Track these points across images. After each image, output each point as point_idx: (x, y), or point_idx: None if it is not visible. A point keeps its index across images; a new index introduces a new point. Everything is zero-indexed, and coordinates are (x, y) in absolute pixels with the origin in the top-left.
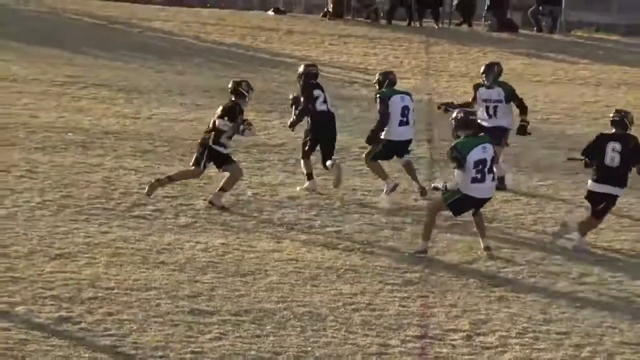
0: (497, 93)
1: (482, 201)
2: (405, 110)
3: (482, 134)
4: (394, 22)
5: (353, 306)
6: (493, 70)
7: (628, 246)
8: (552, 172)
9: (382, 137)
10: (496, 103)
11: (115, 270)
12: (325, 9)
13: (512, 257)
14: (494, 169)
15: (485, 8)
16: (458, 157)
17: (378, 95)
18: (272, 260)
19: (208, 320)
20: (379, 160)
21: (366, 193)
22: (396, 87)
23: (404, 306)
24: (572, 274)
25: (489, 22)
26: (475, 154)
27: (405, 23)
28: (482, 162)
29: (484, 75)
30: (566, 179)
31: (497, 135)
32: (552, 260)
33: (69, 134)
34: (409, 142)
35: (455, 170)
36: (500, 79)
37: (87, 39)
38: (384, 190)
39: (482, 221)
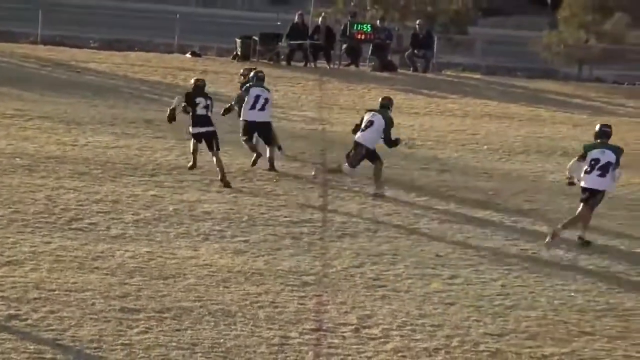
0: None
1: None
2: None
3: None
4: (292, 63)
5: (258, 304)
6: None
7: (491, 252)
8: (425, 189)
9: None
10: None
11: (56, 274)
12: (235, 52)
13: (394, 262)
14: None
15: (370, 52)
16: None
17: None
18: (190, 266)
19: (135, 317)
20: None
21: (270, 208)
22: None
23: (302, 304)
24: (443, 275)
25: (373, 63)
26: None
27: (302, 64)
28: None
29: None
30: (437, 195)
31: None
32: (427, 264)
33: (17, 158)
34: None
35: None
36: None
37: (33, 78)
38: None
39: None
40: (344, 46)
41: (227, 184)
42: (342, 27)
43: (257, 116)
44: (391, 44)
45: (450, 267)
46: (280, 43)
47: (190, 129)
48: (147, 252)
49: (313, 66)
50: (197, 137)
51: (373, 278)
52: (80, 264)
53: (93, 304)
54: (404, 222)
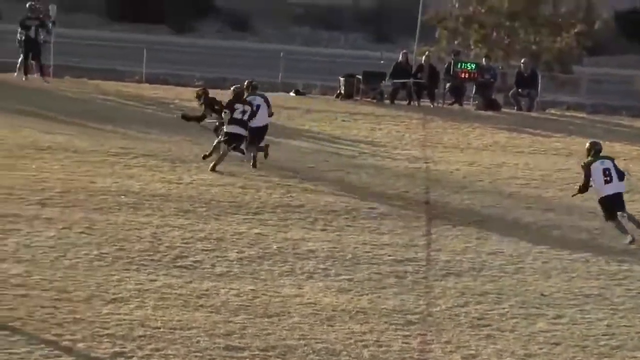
0: None
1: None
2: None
3: None
4: (396, 102)
5: (363, 343)
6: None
7: (596, 292)
8: (529, 228)
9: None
10: None
11: (161, 312)
12: (338, 91)
13: (498, 301)
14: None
15: (473, 90)
16: None
17: None
18: (294, 304)
19: (240, 355)
20: None
21: (374, 246)
22: None
23: (406, 343)
24: (548, 315)
25: (477, 102)
26: None
27: (405, 103)
28: None
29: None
30: (541, 234)
31: None
32: (532, 303)
33: (122, 196)
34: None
35: None
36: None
37: (138, 117)
38: None
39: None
40: (448, 85)
41: (254, 165)
42: (445, 66)
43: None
44: (495, 82)
45: (555, 307)
46: (383, 82)
47: (225, 127)
48: (252, 290)
49: (416, 105)
50: (230, 137)
51: (477, 317)
52: (185, 301)
53: (198, 341)
54: (508, 261)
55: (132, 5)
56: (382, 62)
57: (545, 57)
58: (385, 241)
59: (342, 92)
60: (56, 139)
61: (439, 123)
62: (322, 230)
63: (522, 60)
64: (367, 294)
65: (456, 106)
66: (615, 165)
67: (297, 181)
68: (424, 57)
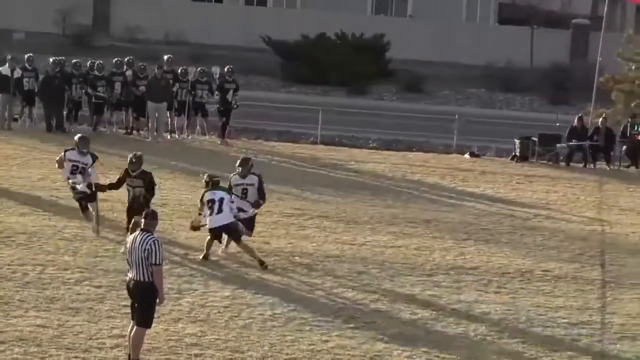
0: None
1: None
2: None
3: None
4: (571, 164)
5: None
6: None
7: None
8: None
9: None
10: None
11: None
12: (513, 153)
13: None
14: None
15: None
16: None
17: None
18: None
19: None
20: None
21: (548, 309)
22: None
23: None
24: None
25: None
26: None
27: (581, 165)
28: None
29: None
30: None
31: None
32: None
33: (295, 257)
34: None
35: None
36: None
37: (312, 178)
38: None
39: None
40: (624, 147)
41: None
42: (622, 128)
43: (216, 221)
44: None
45: None
46: (559, 144)
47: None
48: (424, 351)
49: (592, 167)
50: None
51: None
52: None
53: None
54: None
55: (308, 67)
56: (557, 124)
57: None
58: (560, 304)
59: (517, 154)
60: None
61: (615, 185)
62: (496, 292)
63: None
64: (541, 357)
65: (632, 169)
66: None
67: (471, 243)
68: (600, 120)
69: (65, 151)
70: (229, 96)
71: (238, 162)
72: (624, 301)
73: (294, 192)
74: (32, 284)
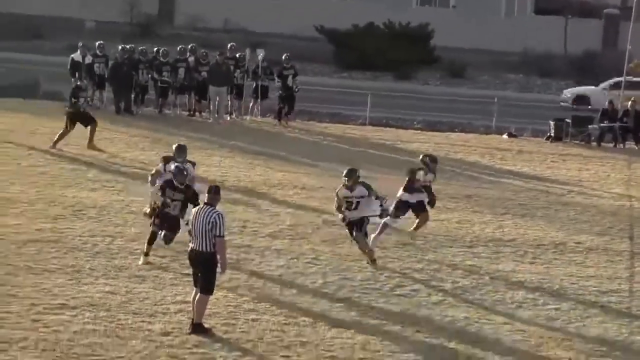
0: None
1: None
2: None
3: None
4: (603, 144)
5: None
6: None
7: None
8: None
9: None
10: None
11: (380, 337)
12: (548, 134)
13: None
14: None
15: None
16: None
17: None
18: (504, 331)
19: None
20: None
21: (579, 278)
22: None
23: None
24: None
25: None
26: None
27: (611, 145)
28: None
29: None
30: None
31: None
32: None
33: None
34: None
35: None
36: None
37: (361, 157)
38: None
39: None
40: None
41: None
42: None
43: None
44: None
45: None
46: (591, 125)
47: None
48: (465, 317)
49: (622, 147)
50: None
51: None
52: (402, 328)
53: None
54: None
55: (358, 54)
56: (589, 107)
57: None
58: (591, 274)
59: (552, 134)
60: (286, 177)
61: None
62: (531, 263)
63: None
64: (573, 323)
65: None
66: None
67: (509, 217)
68: (630, 103)
69: (165, 162)
70: (289, 81)
71: (345, 172)
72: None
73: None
74: (102, 254)
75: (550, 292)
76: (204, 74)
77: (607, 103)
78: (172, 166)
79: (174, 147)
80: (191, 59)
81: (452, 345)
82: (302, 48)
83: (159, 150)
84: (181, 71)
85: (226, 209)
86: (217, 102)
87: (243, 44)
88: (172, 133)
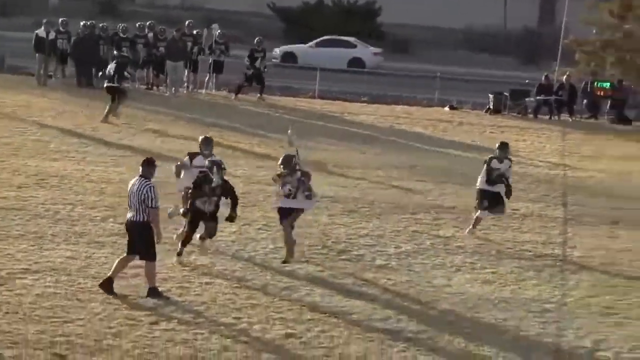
0: None
1: None
2: None
3: None
4: (539, 116)
5: (504, 328)
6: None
7: None
8: None
9: None
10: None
11: (327, 299)
12: (487, 106)
13: (627, 292)
14: None
15: (608, 106)
16: None
17: None
18: (444, 293)
19: (396, 337)
20: None
21: (516, 243)
22: None
23: (542, 329)
24: None
25: (611, 117)
26: None
27: (547, 117)
28: None
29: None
30: None
31: None
32: None
33: None
34: None
35: None
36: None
37: (310, 129)
38: None
39: None
40: (585, 101)
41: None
42: (583, 85)
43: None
44: (628, 99)
45: None
46: (528, 98)
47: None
48: (407, 280)
49: (557, 119)
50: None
51: (607, 306)
52: (348, 290)
53: (359, 325)
54: (636, 257)
55: (308, 30)
56: (527, 81)
57: None
58: (526, 239)
59: (491, 107)
60: (239, 147)
61: (577, 135)
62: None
63: None
64: (509, 285)
65: (592, 120)
66: None
67: (450, 185)
68: (564, 77)
69: (191, 157)
70: (258, 63)
71: (281, 159)
72: (583, 237)
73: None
74: (63, 220)
75: (488, 257)
76: (162, 49)
77: (543, 77)
78: (206, 161)
79: (200, 139)
80: (150, 35)
81: (394, 306)
82: (256, 25)
83: (118, 121)
84: (140, 47)
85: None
86: (174, 76)
87: (201, 21)
88: (130, 105)
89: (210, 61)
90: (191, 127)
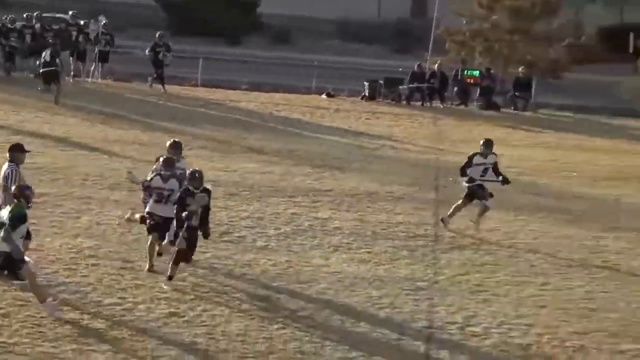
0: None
1: None
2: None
3: None
4: (411, 103)
5: (379, 306)
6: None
7: (578, 263)
8: (523, 210)
9: None
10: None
11: (210, 279)
12: (363, 94)
13: (495, 270)
14: None
15: (477, 94)
16: None
17: None
18: (322, 273)
19: (275, 315)
20: None
21: (390, 225)
22: None
23: (416, 306)
24: (537, 282)
25: (480, 103)
26: None
27: (419, 104)
28: None
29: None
30: (533, 215)
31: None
32: (523, 273)
33: None
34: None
35: None
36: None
37: (194, 115)
38: None
39: None
40: (455, 89)
41: None
42: (454, 73)
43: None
44: (496, 87)
45: (542, 275)
46: (401, 86)
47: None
48: (287, 260)
49: (429, 105)
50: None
51: (476, 284)
52: (230, 270)
53: (240, 304)
54: (503, 237)
55: (191, 21)
56: (400, 69)
57: (540, 66)
58: (400, 220)
59: (367, 94)
60: (125, 134)
61: (448, 121)
62: (347, 210)
63: (521, 68)
64: (383, 265)
65: (462, 107)
66: None
67: (327, 169)
68: (436, 65)
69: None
70: (161, 56)
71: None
72: (453, 218)
73: (177, 128)
74: None
75: (364, 237)
76: (49, 39)
77: (415, 66)
78: (187, 171)
79: (167, 143)
80: (37, 25)
81: (274, 286)
82: (140, 15)
83: (6, 109)
84: (28, 37)
85: (69, 162)
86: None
87: (88, 11)
88: (18, 93)
89: (95, 51)
90: (77, 114)
